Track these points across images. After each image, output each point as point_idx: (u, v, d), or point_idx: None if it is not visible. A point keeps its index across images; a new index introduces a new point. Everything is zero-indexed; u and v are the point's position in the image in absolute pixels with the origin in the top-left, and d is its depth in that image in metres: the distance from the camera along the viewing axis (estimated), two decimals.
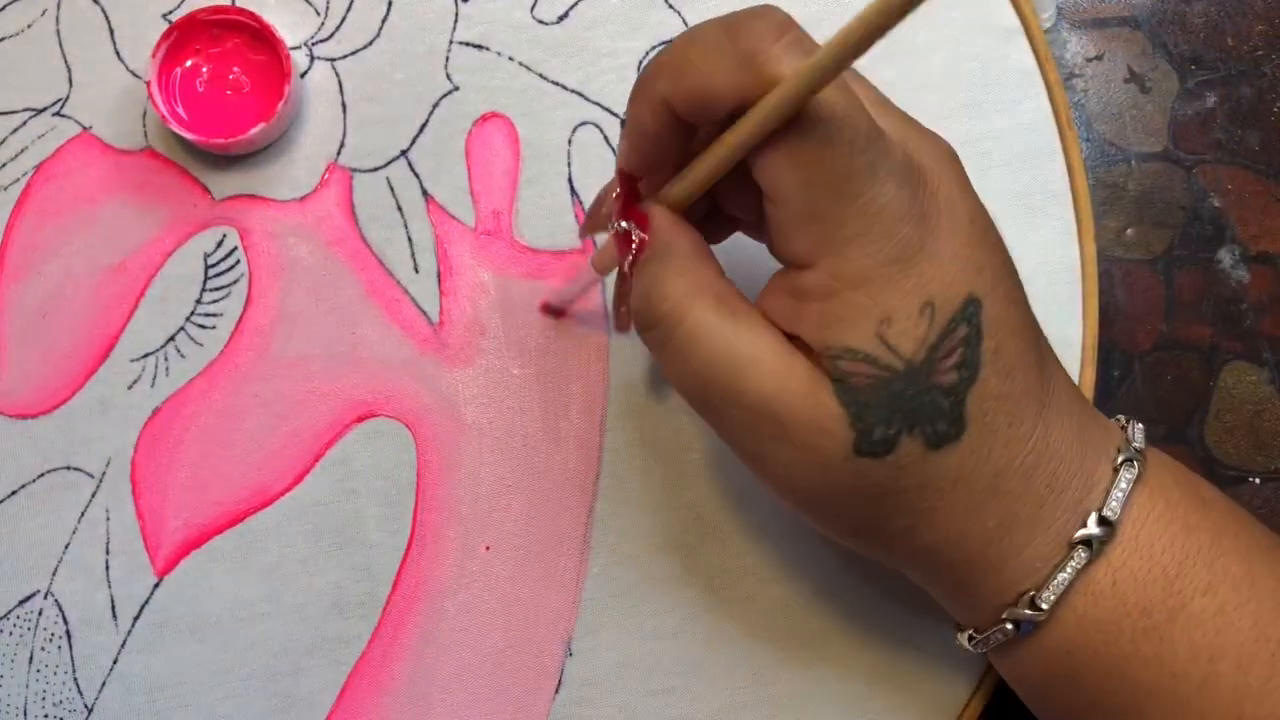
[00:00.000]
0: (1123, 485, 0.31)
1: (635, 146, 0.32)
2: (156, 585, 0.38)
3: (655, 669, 0.38)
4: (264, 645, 0.38)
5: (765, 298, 0.32)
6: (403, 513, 0.39)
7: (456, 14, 0.40)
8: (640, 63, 0.40)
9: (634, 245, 0.32)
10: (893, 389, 0.29)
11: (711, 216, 0.34)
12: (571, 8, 0.40)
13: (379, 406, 0.39)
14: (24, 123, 0.40)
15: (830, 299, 0.29)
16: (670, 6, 0.41)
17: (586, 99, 0.40)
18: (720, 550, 0.39)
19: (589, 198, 0.40)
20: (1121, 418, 0.34)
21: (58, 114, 0.40)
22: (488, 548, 0.39)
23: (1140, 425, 0.33)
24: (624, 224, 0.32)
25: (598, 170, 0.40)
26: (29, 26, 0.40)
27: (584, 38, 0.40)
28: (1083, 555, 0.31)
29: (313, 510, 0.39)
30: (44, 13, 0.40)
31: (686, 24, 0.41)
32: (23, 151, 0.40)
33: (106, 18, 0.40)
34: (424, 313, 0.40)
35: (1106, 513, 0.31)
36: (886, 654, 0.39)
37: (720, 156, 0.30)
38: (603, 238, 0.36)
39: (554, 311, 0.40)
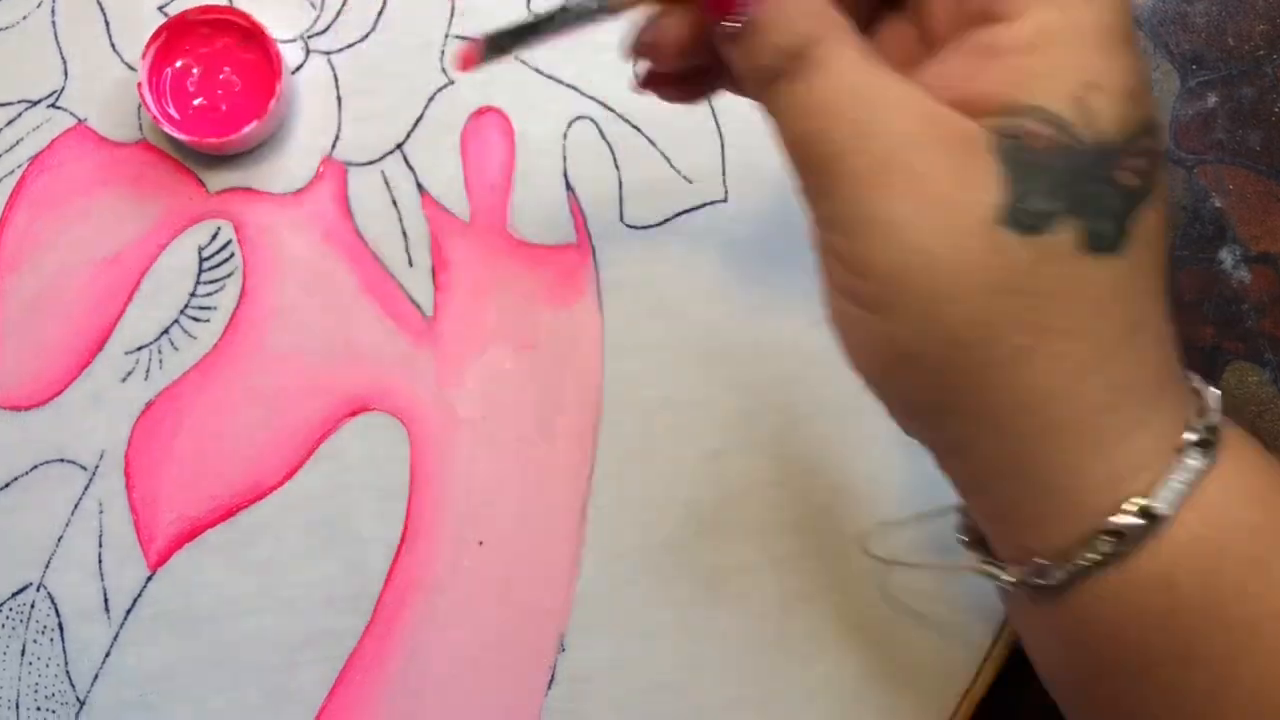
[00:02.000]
0: (1213, 401, 0.28)
1: None
2: (149, 578, 0.39)
3: (649, 664, 0.39)
4: (257, 639, 0.39)
5: (927, 68, 0.28)
6: (396, 507, 0.40)
7: (452, 8, 0.41)
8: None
9: None
10: (1071, 163, 0.25)
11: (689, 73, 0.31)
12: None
13: (373, 401, 0.40)
14: (19, 114, 0.41)
15: (1031, 53, 0.26)
16: None
17: (582, 93, 0.41)
18: (713, 547, 0.40)
19: (584, 192, 0.41)
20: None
21: (52, 106, 0.41)
22: (481, 543, 0.40)
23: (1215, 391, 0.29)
24: None
25: (593, 165, 0.41)
26: (24, 18, 0.41)
27: (580, 32, 0.42)
28: (1198, 459, 0.26)
29: (306, 504, 0.40)
30: (40, 4, 0.41)
31: None
32: (17, 143, 0.41)
33: (102, 10, 0.41)
34: (418, 307, 0.41)
35: (1211, 419, 0.27)
36: (880, 651, 0.40)
37: None
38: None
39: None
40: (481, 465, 0.40)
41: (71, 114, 0.41)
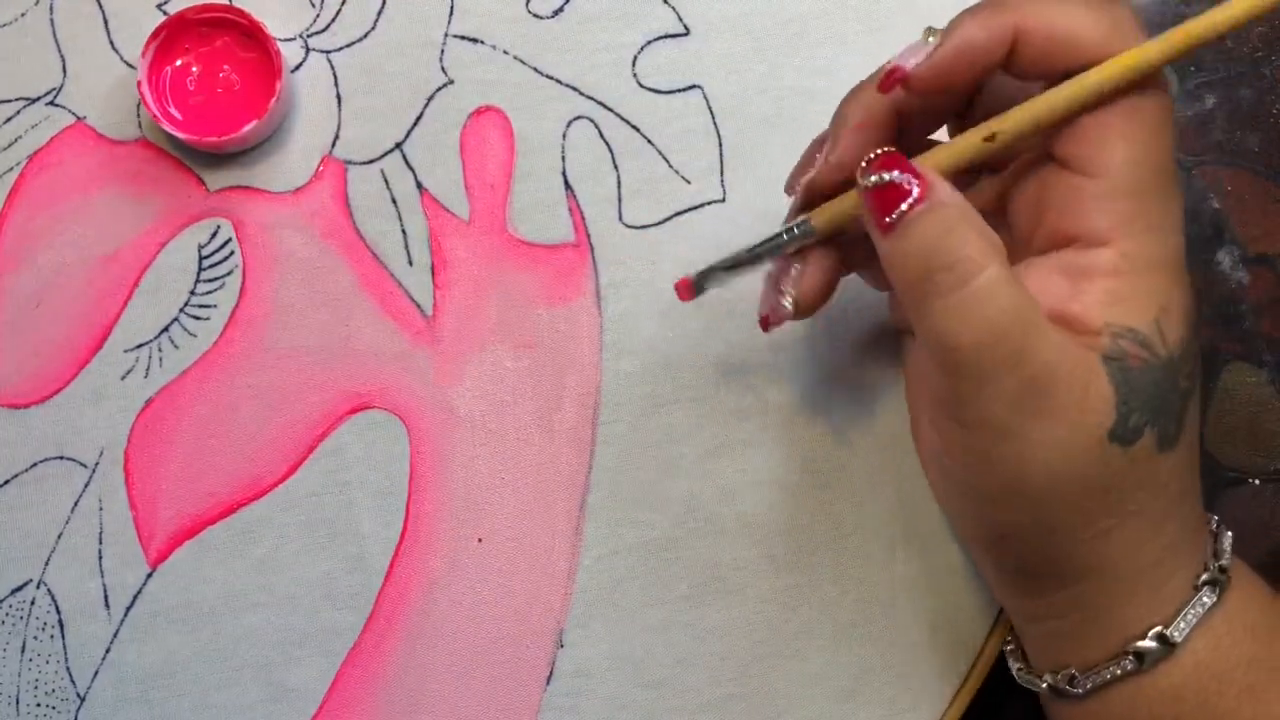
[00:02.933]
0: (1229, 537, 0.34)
1: (940, 73, 0.31)
2: (149, 575, 0.40)
3: (646, 661, 0.40)
4: (256, 635, 0.40)
5: (1026, 278, 0.31)
6: (396, 504, 0.40)
7: (452, 7, 0.42)
8: (635, 57, 0.42)
9: (910, 196, 0.30)
10: (1154, 378, 0.30)
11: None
12: (567, 2, 0.42)
13: (372, 399, 0.41)
14: (17, 112, 0.41)
15: (1119, 278, 0.30)
16: (665, 2, 0.42)
17: (581, 93, 0.42)
18: (711, 543, 0.41)
19: (583, 192, 0.42)
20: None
21: (51, 104, 0.42)
22: (480, 540, 0.40)
23: (1229, 533, 0.35)
24: (895, 174, 0.31)
25: (592, 164, 0.42)
26: (23, 15, 0.42)
27: (579, 32, 0.42)
28: (1210, 596, 0.32)
29: (306, 501, 0.40)
30: (38, 1, 0.42)
31: (682, 19, 0.42)
32: (16, 141, 0.41)
33: (101, 7, 0.42)
34: (417, 305, 0.41)
35: (1224, 561, 0.33)
36: (876, 647, 0.40)
37: (1023, 120, 0.31)
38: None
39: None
40: (481, 463, 0.41)
41: (70, 112, 0.42)
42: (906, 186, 0.30)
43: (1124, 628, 0.33)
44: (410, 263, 0.41)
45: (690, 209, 0.42)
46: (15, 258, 0.41)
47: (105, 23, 0.42)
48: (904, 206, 0.30)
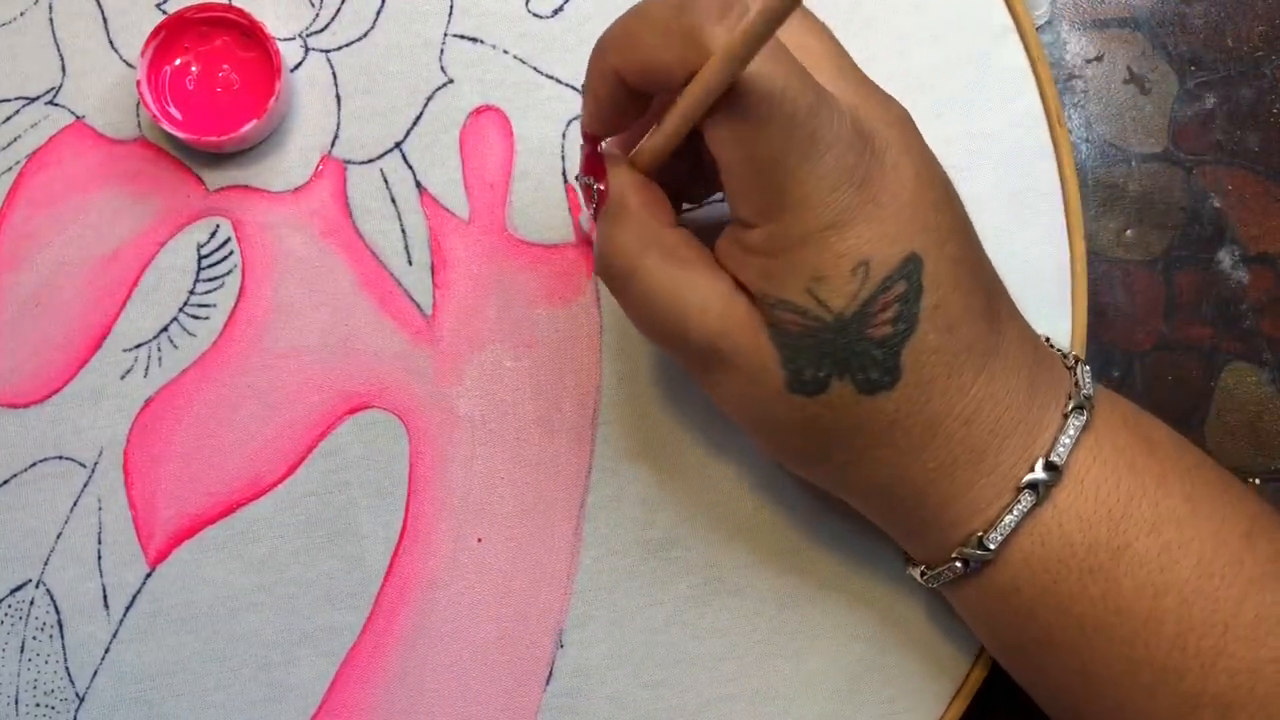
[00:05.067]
0: (1070, 432, 0.35)
1: (593, 111, 0.36)
2: (148, 575, 0.41)
3: (646, 660, 0.41)
4: (255, 635, 0.41)
5: (720, 245, 0.35)
6: (395, 504, 0.41)
7: (451, 6, 0.43)
8: None
9: (595, 198, 0.36)
10: (821, 338, 0.33)
11: (695, 175, 0.38)
12: (567, 2, 0.43)
13: (372, 398, 0.41)
14: (16, 111, 0.42)
15: (769, 257, 0.33)
16: None
17: (581, 93, 0.43)
18: (711, 544, 0.41)
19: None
20: (1070, 356, 0.37)
21: (50, 103, 0.42)
22: (480, 540, 0.41)
23: (1088, 369, 0.36)
24: (587, 179, 0.37)
25: None
26: (22, 14, 0.42)
27: (579, 32, 0.42)
28: (1029, 499, 0.34)
29: (305, 501, 0.41)
30: (37, 1, 0.43)
31: None
32: (15, 140, 0.42)
33: (100, 7, 0.42)
34: (417, 305, 0.42)
35: (1053, 458, 0.34)
36: (875, 646, 0.41)
37: (669, 128, 0.34)
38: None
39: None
40: (480, 463, 0.41)
41: (70, 111, 0.42)
42: (600, 188, 0.36)
43: (944, 532, 0.36)
44: (410, 262, 0.42)
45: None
46: (15, 257, 0.42)
47: (105, 22, 0.42)
48: (593, 208, 0.37)
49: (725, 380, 0.35)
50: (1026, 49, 0.43)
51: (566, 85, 0.43)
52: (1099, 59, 0.46)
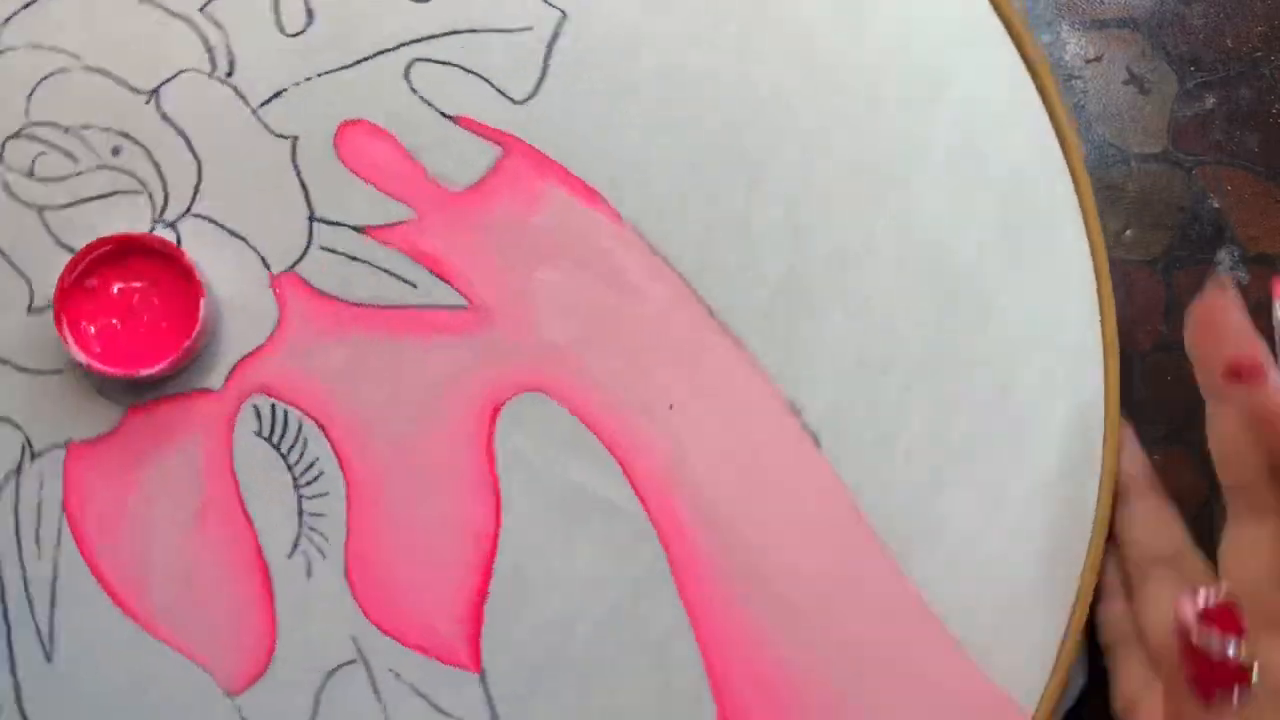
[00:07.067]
0: None
1: None
2: (481, 679, 0.40)
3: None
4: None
5: None
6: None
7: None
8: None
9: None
10: None
11: None
12: None
13: (508, 392, 0.41)
14: None
15: None
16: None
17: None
18: None
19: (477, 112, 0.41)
20: None
21: None
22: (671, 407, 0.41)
23: None
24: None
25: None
26: None
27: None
28: None
29: (547, 514, 0.41)
30: None
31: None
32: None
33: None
34: (450, 308, 0.41)
35: None
36: None
37: None
38: None
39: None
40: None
41: None
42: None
43: None
44: (414, 286, 0.41)
45: None
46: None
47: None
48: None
49: None
50: (1024, 56, 0.42)
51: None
52: (1098, 59, 0.46)
